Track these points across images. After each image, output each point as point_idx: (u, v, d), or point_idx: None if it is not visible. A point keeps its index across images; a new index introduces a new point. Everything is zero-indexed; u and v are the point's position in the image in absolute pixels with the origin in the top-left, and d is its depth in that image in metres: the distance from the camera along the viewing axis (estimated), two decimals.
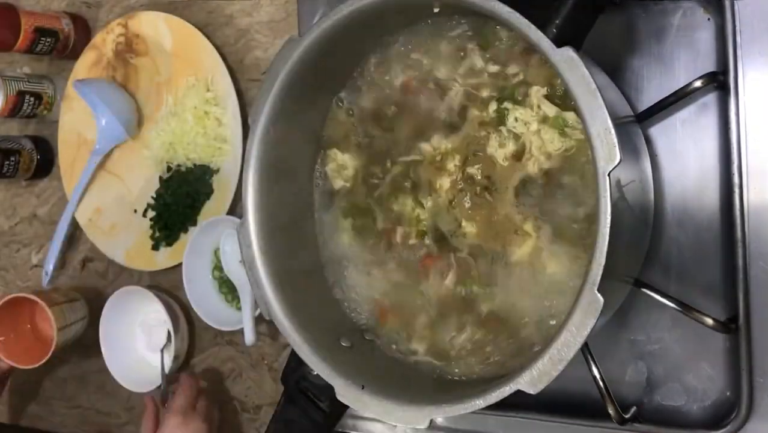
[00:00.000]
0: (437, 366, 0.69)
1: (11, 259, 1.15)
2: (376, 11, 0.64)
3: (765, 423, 0.67)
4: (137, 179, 1.02)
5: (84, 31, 1.07)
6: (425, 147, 0.69)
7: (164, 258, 0.99)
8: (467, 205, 0.68)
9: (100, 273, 1.08)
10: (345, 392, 0.62)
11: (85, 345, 1.04)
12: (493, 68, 0.67)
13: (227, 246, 0.92)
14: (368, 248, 0.73)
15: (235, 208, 0.94)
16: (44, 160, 1.10)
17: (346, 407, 0.64)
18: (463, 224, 0.68)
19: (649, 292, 0.70)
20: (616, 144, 0.51)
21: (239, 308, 0.93)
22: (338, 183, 0.74)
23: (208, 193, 0.97)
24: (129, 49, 1.02)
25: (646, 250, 0.72)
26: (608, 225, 0.52)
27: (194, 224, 0.97)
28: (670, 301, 0.69)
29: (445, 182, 0.69)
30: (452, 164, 0.68)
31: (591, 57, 0.67)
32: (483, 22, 0.67)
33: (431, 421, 0.59)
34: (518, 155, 0.65)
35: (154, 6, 1.02)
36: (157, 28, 1.00)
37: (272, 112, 0.67)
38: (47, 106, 1.07)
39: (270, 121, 0.67)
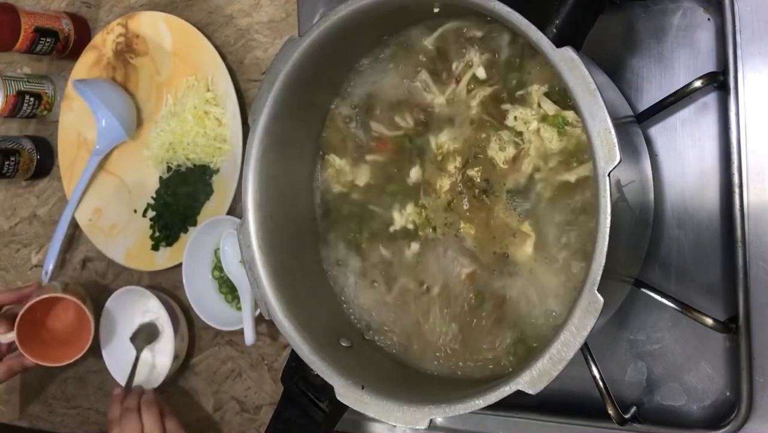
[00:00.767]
0: (437, 366, 0.69)
1: (11, 259, 1.15)
2: (375, 11, 0.64)
3: (765, 423, 0.67)
4: (137, 179, 1.02)
5: (84, 31, 1.07)
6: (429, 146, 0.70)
7: (164, 258, 0.99)
8: (465, 207, 0.68)
9: (100, 273, 1.08)
10: (345, 392, 0.62)
11: None
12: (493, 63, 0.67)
13: (227, 246, 0.92)
14: (367, 249, 0.73)
15: (235, 208, 0.95)
16: (44, 160, 1.10)
17: (346, 407, 0.64)
18: (462, 225, 0.68)
19: (649, 292, 0.70)
20: (616, 144, 0.51)
21: (239, 308, 0.93)
22: (336, 188, 0.74)
23: (208, 193, 0.97)
24: (129, 49, 1.02)
25: (646, 250, 0.72)
26: (608, 225, 0.52)
27: (194, 224, 0.97)
28: (670, 301, 0.69)
29: (445, 183, 0.69)
30: (453, 166, 0.68)
31: (591, 57, 0.67)
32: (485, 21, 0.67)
33: (431, 421, 0.59)
34: (517, 159, 0.66)
35: (154, 6, 1.02)
36: (157, 28, 1.00)
37: (272, 112, 0.67)
38: (47, 106, 1.07)
39: (270, 121, 0.67)
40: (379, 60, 0.72)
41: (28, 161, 1.08)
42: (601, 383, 0.66)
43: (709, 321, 0.67)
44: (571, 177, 0.63)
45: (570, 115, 0.63)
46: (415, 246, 0.70)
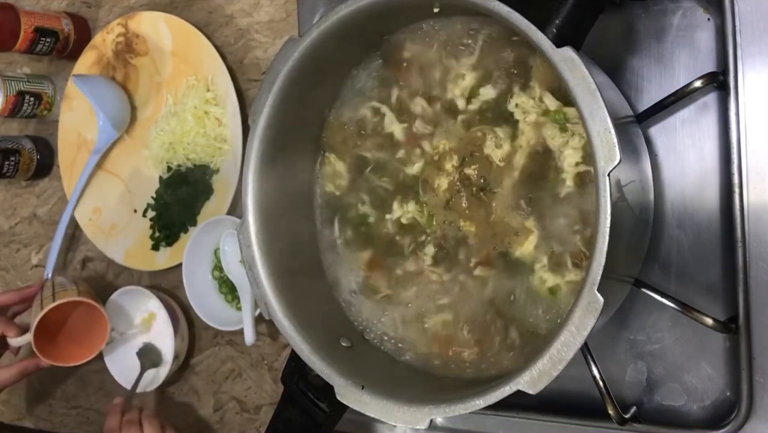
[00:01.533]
0: (437, 366, 0.69)
1: (11, 259, 1.15)
2: (376, 11, 0.64)
3: (765, 423, 0.67)
4: (137, 179, 1.02)
5: (84, 31, 1.07)
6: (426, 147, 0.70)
7: (164, 258, 0.99)
8: (464, 205, 0.68)
9: (100, 273, 1.08)
10: (345, 392, 0.63)
11: None
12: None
13: (227, 246, 0.92)
14: (367, 249, 0.73)
15: (235, 208, 0.94)
16: (44, 160, 1.10)
17: (346, 407, 0.64)
18: (462, 223, 0.68)
19: (649, 292, 0.70)
20: (616, 144, 0.51)
21: (239, 308, 0.93)
22: (329, 187, 0.74)
23: (208, 193, 0.97)
24: (129, 49, 1.02)
25: (646, 250, 0.72)
26: (608, 225, 0.52)
27: (194, 224, 0.97)
28: (670, 301, 0.69)
29: (443, 182, 0.69)
30: (450, 165, 0.68)
31: (591, 57, 0.67)
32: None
33: (431, 421, 0.59)
34: (512, 155, 0.66)
35: (154, 6, 1.02)
36: (157, 28, 1.00)
37: (272, 112, 0.67)
38: (47, 106, 1.07)
39: (270, 121, 0.67)
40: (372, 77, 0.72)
41: (28, 161, 1.08)
42: (601, 383, 0.66)
43: (709, 321, 0.67)
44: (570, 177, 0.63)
45: (572, 112, 0.63)
46: (416, 248, 0.70)
